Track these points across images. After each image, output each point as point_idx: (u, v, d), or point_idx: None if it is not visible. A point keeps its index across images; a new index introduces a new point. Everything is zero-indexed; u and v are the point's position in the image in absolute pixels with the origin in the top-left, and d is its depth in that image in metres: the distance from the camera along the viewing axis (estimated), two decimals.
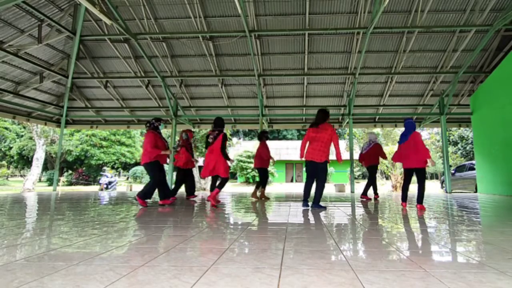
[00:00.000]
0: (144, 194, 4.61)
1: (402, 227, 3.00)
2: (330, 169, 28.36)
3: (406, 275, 1.47)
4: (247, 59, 10.14)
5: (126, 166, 29.59)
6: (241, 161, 26.04)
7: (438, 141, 35.22)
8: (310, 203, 4.56)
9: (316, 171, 4.42)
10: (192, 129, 6.57)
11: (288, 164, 31.17)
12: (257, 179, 6.62)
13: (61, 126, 11.15)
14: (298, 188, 19.34)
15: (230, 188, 19.47)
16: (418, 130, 5.02)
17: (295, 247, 2.04)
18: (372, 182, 6.39)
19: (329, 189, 13.62)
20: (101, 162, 23.46)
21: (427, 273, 1.51)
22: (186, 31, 9.31)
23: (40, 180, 23.79)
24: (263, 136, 6.39)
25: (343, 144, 30.69)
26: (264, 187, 6.36)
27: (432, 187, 20.18)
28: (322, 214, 3.97)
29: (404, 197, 4.85)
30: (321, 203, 4.64)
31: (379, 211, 4.39)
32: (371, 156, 6.32)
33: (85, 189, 17.75)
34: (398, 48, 9.52)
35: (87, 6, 6.09)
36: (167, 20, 9.22)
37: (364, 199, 6.27)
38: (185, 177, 6.07)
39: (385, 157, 6.39)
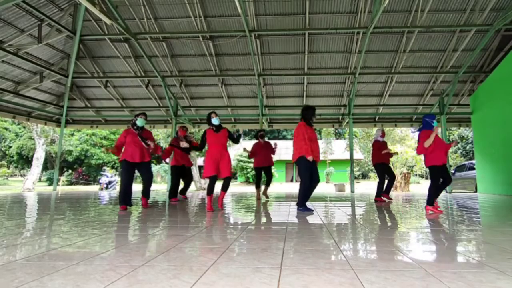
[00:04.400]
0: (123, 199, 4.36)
1: (402, 227, 3.00)
2: (330, 168, 28.37)
3: (406, 275, 1.47)
4: (247, 59, 10.13)
5: None
6: (241, 161, 26.05)
7: None
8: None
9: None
10: (188, 128, 6.30)
11: (288, 164, 31.14)
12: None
13: (61, 125, 11.15)
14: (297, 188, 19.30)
15: (231, 188, 19.46)
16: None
17: (295, 247, 2.05)
18: (379, 182, 6.22)
19: (329, 188, 13.62)
20: (101, 161, 23.46)
21: (427, 273, 1.51)
22: (186, 31, 9.30)
23: (40, 180, 23.76)
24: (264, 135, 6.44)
25: (343, 143, 30.73)
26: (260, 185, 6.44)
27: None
28: (322, 214, 3.97)
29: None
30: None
31: (380, 211, 4.39)
32: (372, 155, 6.27)
33: (85, 188, 17.76)
34: (398, 48, 9.51)
35: (87, 5, 6.08)
36: (167, 20, 9.22)
37: (378, 201, 5.97)
38: (179, 176, 5.94)
39: (375, 156, 6.07)
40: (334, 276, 1.46)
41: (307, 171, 4.16)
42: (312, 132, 4.29)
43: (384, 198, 6.05)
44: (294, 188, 18.69)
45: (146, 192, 4.69)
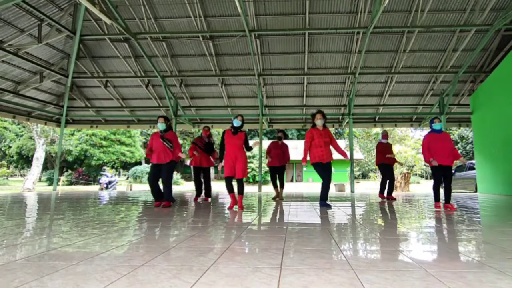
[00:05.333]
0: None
1: (402, 227, 3.00)
2: None
3: (406, 275, 1.47)
4: (247, 59, 10.13)
5: (126, 166, 29.59)
6: None
7: None
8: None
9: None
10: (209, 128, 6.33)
11: (288, 164, 31.16)
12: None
13: (61, 125, 11.14)
14: (298, 187, 19.33)
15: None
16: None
17: (295, 247, 2.05)
18: (382, 181, 6.42)
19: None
20: (101, 161, 23.45)
21: (427, 273, 1.51)
22: (186, 31, 9.30)
23: (40, 180, 23.79)
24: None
25: (343, 143, 30.73)
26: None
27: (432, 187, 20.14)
28: (322, 214, 3.97)
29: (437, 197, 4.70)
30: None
31: (379, 211, 4.39)
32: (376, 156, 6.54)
33: (85, 188, 17.75)
34: (398, 47, 9.51)
35: (87, 5, 6.08)
36: (167, 20, 9.22)
37: (389, 199, 6.21)
38: (198, 176, 5.99)
39: (377, 157, 6.46)
40: (334, 276, 1.46)
41: (320, 173, 4.61)
42: (318, 136, 4.57)
43: (383, 200, 6.14)
44: (294, 188, 18.69)
45: (165, 193, 4.79)
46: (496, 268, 1.58)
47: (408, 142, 21.47)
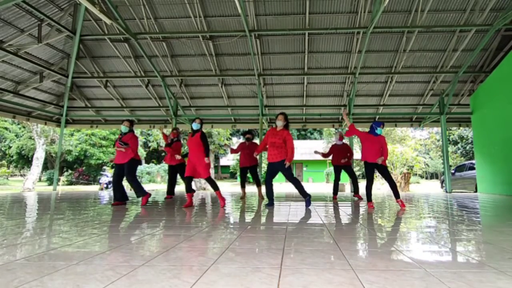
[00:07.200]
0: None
1: (401, 227, 3.00)
2: (330, 169, 28.44)
3: (406, 275, 1.47)
4: (247, 59, 10.13)
5: None
6: None
7: (438, 140, 35.24)
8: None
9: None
10: (178, 129, 6.68)
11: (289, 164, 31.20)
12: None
13: (61, 125, 11.14)
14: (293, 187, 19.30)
15: (230, 188, 19.46)
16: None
17: (295, 247, 2.05)
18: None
19: (329, 188, 13.57)
20: (100, 161, 23.47)
21: (427, 272, 1.51)
22: (186, 31, 9.30)
23: (40, 180, 23.79)
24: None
25: None
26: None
27: (432, 187, 20.19)
28: (322, 214, 3.97)
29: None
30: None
31: (379, 211, 4.39)
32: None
33: (85, 188, 17.75)
34: (398, 48, 9.51)
35: (87, 5, 6.08)
36: (167, 20, 9.22)
37: (356, 197, 6.40)
38: (173, 174, 6.40)
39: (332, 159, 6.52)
40: (334, 276, 1.46)
41: (266, 172, 4.78)
42: (271, 136, 4.70)
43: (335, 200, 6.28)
44: (294, 187, 18.69)
45: (135, 190, 4.95)
46: (496, 268, 1.58)
47: (408, 142, 21.49)
